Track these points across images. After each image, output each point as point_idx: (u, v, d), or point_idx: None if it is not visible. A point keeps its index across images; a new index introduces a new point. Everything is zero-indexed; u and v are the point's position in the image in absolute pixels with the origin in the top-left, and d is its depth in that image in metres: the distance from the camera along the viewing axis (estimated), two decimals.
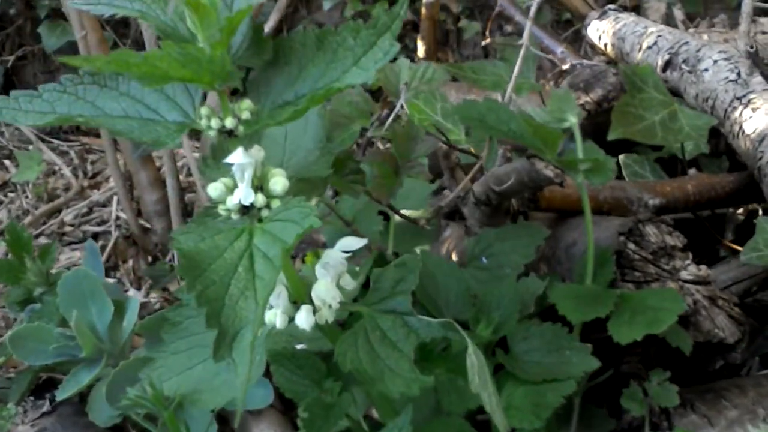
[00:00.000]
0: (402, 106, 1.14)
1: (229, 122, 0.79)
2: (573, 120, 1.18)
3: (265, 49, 0.79)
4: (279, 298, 0.89)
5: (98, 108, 0.81)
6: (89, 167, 2.53)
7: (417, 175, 1.10)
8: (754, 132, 1.42)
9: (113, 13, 0.77)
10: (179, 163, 2.41)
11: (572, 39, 2.58)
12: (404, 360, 0.87)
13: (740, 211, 1.62)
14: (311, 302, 0.89)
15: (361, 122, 1.17)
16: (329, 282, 0.89)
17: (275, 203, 0.82)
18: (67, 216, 2.23)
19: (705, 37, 1.87)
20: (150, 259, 2.11)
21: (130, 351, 1.50)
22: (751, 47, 1.42)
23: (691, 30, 1.98)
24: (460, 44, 2.74)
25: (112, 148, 2.01)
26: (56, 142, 2.73)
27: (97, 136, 2.78)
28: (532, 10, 1.36)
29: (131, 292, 1.95)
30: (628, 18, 1.94)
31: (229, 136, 0.81)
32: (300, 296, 0.89)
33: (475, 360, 0.83)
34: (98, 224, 2.21)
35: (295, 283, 0.90)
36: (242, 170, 0.80)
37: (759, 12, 1.68)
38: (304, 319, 0.87)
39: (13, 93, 0.80)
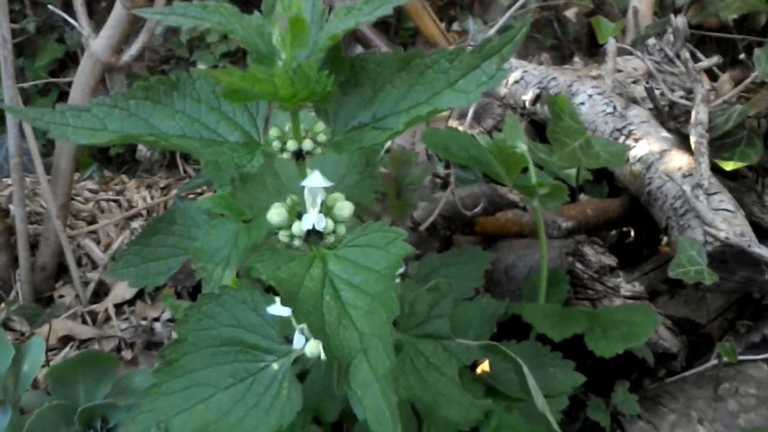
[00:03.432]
0: None
1: (308, 145, 0.75)
2: (523, 146, 1.24)
3: (342, 69, 0.76)
4: None
5: (152, 126, 0.74)
6: None
7: (420, 198, 1.10)
8: (639, 160, 1.58)
9: (193, 25, 0.70)
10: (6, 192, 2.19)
11: None
12: (452, 384, 0.87)
13: (613, 232, 1.77)
14: None
15: None
16: None
17: (341, 229, 0.79)
18: None
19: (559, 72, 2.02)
20: None
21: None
22: (647, 82, 1.58)
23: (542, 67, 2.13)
24: None
25: None
26: None
27: None
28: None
29: None
30: None
31: (297, 159, 0.77)
32: None
33: (534, 382, 0.85)
34: None
35: None
36: (314, 195, 0.76)
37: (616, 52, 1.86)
38: None
39: (59, 106, 0.70)
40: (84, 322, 1.82)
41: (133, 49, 1.86)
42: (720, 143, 1.56)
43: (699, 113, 1.54)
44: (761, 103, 1.58)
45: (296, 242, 0.78)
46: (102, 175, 2.42)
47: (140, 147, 2.57)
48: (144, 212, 2.13)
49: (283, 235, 0.78)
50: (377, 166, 0.89)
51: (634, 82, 1.84)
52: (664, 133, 1.59)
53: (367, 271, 0.74)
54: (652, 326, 1.08)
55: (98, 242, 2.01)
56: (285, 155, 0.76)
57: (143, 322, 1.77)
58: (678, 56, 1.84)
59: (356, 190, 0.87)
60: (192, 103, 0.76)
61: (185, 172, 2.56)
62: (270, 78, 0.64)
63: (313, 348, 0.85)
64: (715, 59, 1.91)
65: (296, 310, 0.70)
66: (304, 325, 0.86)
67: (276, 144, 0.75)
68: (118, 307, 1.84)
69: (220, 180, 1.18)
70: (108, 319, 1.81)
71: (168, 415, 0.93)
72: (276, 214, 0.78)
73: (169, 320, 1.73)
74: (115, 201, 2.19)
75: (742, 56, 1.80)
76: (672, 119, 1.72)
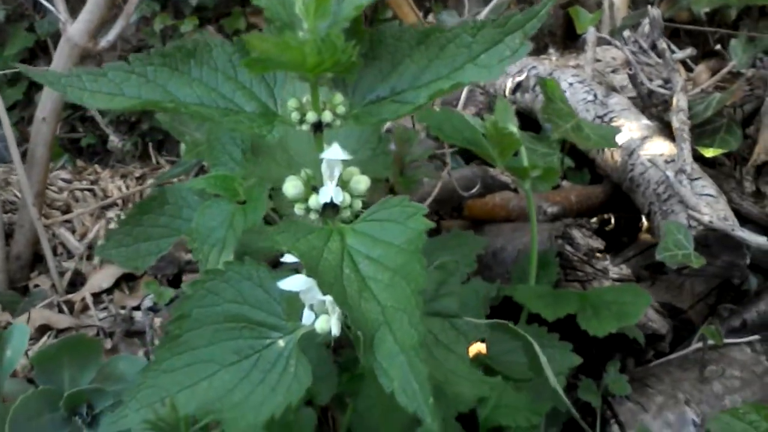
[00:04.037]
0: None
1: (327, 116, 0.75)
2: (514, 129, 1.25)
3: (362, 41, 0.76)
4: (333, 303, 0.84)
5: (170, 93, 0.73)
6: None
7: (423, 175, 1.10)
8: (621, 147, 1.60)
9: None
10: None
11: None
12: (461, 362, 0.87)
13: (594, 219, 1.79)
14: None
15: None
16: None
17: (357, 203, 0.79)
18: None
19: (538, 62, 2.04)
20: None
21: None
22: (630, 70, 1.60)
23: None
24: None
25: None
26: None
27: None
28: None
29: None
30: None
31: (315, 131, 0.76)
32: None
33: (545, 359, 0.86)
34: None
35: None
36: (332, 168, 0.76)
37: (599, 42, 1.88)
38: None
39: (75, 70, 0.69)
40: (61, 311, 1.79)
41: (111, 35, 1.83)
42: (700, 131, 1.59)
43: (680, 101, 1.57)
44: (738, 93, 1.61)
45: (312, 216, 0.78)
46: (74, 166, 2.38)
47: (112, 137, 2.53)
48: (119, 202, 2.09)
49: (298, 208, 0.78)
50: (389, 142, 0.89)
51: (613, 72, 1.87)
52: (645, 120, 1.62)
53: (386, 245, 0.74)
54: (644, 306, 1.10)
55: (73, 231, 1.98)
56: (304, 127, 0.75)
57: (122, 311, 1.75)
58: (654, 47, 1.86)
59: (369, 166, 0.86)
60: (209, 71, 0.75)
61: (158, 162, 2.53)
62: (300, 46, 0.63)
63: (323, 324, 0.84)
64: (690, 51, 1.94)
65: (319, 281, 0.70)
66: (313, 301, 0.86)
67: (295, 115, 0.75)
68: (96, 296, 1.80)
69: (213, 160, 1.16)
70: (85, 308, 1.78)
71: (170, 391, 0.91)
72: (292, 186, 0.77)
73: (150, 308, 1.70)
74: (89, 190, 2.15)
75: (717, 47, 1.83)
76: (652, 107, 1.75)
